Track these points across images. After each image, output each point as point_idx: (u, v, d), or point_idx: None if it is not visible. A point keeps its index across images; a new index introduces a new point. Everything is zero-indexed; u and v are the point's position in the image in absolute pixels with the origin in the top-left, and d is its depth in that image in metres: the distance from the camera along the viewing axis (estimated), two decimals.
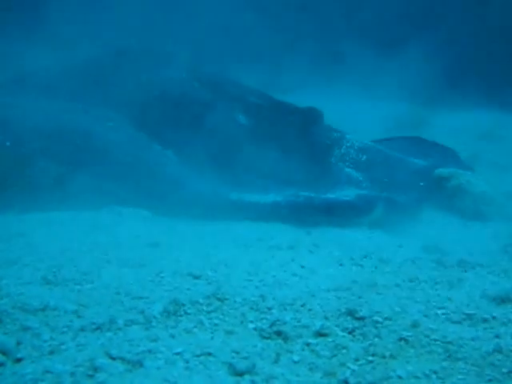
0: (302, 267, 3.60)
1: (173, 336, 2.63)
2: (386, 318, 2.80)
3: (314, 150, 5.73)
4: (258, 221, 4.70)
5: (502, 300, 3.06)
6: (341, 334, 2.69)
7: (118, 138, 5.19)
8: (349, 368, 2.41)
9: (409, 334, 2.67)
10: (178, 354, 2.47)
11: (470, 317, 2.89)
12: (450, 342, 2.61)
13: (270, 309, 2.91)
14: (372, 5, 11.93)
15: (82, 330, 2.65)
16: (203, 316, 2.83)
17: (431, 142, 6.77)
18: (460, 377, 2.38)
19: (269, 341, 2.63)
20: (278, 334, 2.68)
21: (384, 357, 2.50)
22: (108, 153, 5.02)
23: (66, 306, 2.85)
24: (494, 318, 2.88)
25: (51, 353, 2.45)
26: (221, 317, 2.84)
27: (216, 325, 2.76)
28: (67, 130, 5.09)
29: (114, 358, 2.40)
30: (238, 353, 2.50)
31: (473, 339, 2.65)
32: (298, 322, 2.78)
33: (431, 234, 4.74)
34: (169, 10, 11.10)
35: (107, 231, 4.27)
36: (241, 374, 2.34)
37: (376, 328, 2.73)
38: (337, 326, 2.76)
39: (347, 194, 5.10)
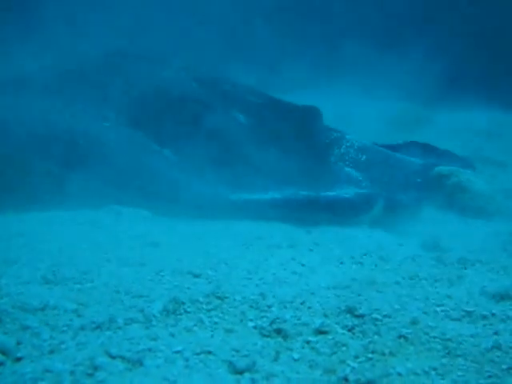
0: (302, 265, 3.60)
1: (173, 334, 2.63)
2: (385, 316, 2.81)
3: (314, 149, 5.73)
4: (258, 220, 4.70)
5: (501, 297, 3.07)
6: (340, 331, 2.70)
7: (117, 138, 5.19)
8: (348, 365, 2.41)
9: (408, 331, 2.67)
10: (177, 352, 2.46)
11: (469, 314, 2.89)
12: (449, 339, 2.62)
13: (269, 307, 2.91)
14: (372, 5, 11.94)
15: (82, 328, 2.65)
16: (203, 314, 2.83)
17: (432, 146, 6.75)
18: (459, 373, 2.38)
19: (269, 339, 2.63)
20: (278, 331, 2.68)
21: (383, 354, 2.50)
22: (107, 153, 5.02)
23: (65, 305, 2.85)
24: (493, 314, 2.88)
25: (51, 352, 2.45)
26: (221, 315, 2.84)
27: (216, 323, 2.76)
28: (65, 130, 5.09)
29: (113, 357, 2.40)
30: (237, 351, 2.50)
31: (472, 336, 2.66)
32: (298, 319, 2.78)
33: (431, 231, 4.73)
34: (169, 10, 11.10)
35: (107, 231, 4.27)
36: (241, 372, 2.35)
37: (375, 325, 2.73)
38: (337, 323, 2.76)
39: (347, 192, 5.11)
